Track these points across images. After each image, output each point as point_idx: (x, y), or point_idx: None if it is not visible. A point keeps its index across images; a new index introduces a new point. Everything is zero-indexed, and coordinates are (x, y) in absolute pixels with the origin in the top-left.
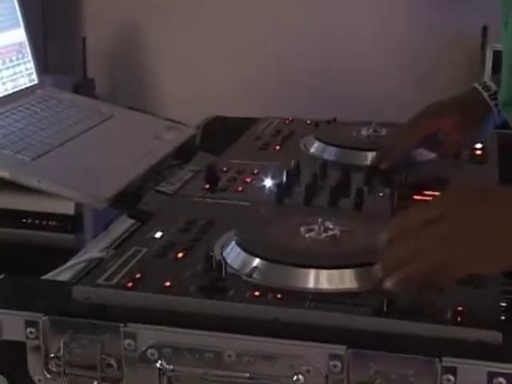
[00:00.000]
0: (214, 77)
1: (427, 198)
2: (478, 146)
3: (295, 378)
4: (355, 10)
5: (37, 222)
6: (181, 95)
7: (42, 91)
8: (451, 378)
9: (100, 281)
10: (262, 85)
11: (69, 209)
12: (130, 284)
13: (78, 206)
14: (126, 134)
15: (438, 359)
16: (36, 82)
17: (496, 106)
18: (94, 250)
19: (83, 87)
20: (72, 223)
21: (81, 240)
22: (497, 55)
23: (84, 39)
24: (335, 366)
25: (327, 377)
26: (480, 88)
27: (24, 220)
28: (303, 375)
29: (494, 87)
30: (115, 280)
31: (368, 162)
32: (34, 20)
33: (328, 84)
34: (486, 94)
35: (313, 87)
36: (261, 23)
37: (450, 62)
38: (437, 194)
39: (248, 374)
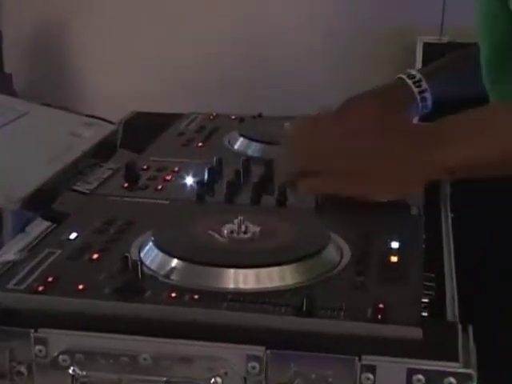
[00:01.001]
0: (138, 73)
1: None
2: None
3: (213, 380)
4: (281, 7)
5: None
6: (104, 92)
7: None
8: (370, 376)
9: (10, 285)
10: (188, 82)
11: None
12: (41, 288)
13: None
14: (41, 131)
15: (357, 358)
16: None
17: (420, 93)
18: (8, 252)
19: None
20: None
21: None
22: (427, 47)
23: (0, 33)
24: (253, 368)
25: (245, 378)
26: (404, 76)
27: None
28: (221, 377)
29: (418, 75)
30: (26, 284)
31: None
32: None
33: (255, 82)
34: (410, 82)
35: (241, 85)
36: (185, 20)
37: (385, 58)
38: None
39: (165, 378)
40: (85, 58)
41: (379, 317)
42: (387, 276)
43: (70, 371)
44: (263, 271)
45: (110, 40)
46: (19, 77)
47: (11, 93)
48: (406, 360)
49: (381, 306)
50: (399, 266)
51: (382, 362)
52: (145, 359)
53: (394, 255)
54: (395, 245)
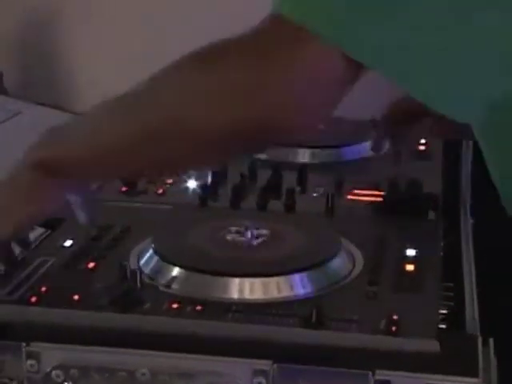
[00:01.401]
0: (135, 71)
1: (369, 199)
2: (423, 141)
3: None
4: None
5: None
6: (99, 90)
7: None
8: None
9: (1, 296)
10: None
11: None
12: (34, 299)
13: None
14: (34, 132)
15: (370, 372)
16: None
17: None
18: None
19: None
20: None
21: None
22: None
23: None
24: (259, 383)
25: None
26: None
27: None
28: None
29: None
30: (18, 294)
31: (302, 160)
32: None
33: None
34: None
35: None
36: (185, 18)
37: None
38: (378, 193)
39: None
40: (78, 55)
41: (393, 329)
42: (402, 285)
43: None
44: (270, 280)
45: (105, 36)
46: (10, 75)
47: (2, 91)
48: (423, 375)
49: (395, 317)
50: (415, 275)
51: (396, 377)
52: (143, 374)
53: (410, 263)
54: (411, 252)
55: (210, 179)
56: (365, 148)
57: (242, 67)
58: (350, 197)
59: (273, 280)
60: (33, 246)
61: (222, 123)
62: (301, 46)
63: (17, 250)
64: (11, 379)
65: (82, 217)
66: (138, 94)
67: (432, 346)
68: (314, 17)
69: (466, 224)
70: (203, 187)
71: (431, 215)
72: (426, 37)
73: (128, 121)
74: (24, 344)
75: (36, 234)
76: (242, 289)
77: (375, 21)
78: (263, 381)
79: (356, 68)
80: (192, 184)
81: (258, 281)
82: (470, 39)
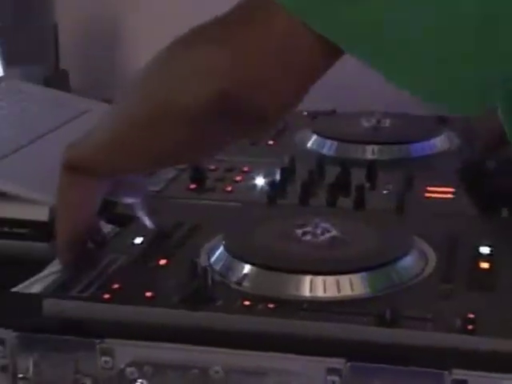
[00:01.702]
0: None
1: (439, 196)
2: None
3: None
4: None
5: (5, 229)
6: None
7: (8, 84)
8: None
9: (73, 293)
10: None
11: (42, 214)
12: (106, 295)
13: (53, 212)
14: None
15: (447, 372)
16: (1, 74)
17: None
18: None
19: (55, 80)
20: (46, 230)
21: (54, 249)
22: None
23: (55, 26)
24: (333, 382)
25: None
26: None
27: None
28: None
29: None
30: (90, 291)
31: (371, 156)
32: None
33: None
34: None
35: None
36: None
37: None
38: (448, 189)
39: None
40: (144, 52)
41: (470, 328)
42: (477, 283)
43: None
44: (342, 278)
45: (166, 35)
46: (75, 73)
47: (68, 90)
48: (501, 375)
49: (471, 316)
50: (490, 273)
51: (473, 377)
52: (216, 372)
53: (485, 261)
54: (485, 250)
55: (278, 176)
56: (434, 144)
57: (215, 45)
58: (420, 194)
59: (345, 278)
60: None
61: (203, 101)
62: (269, 21)
63: (107, 228)
64: (85, 375)
65: (145, 221)
66: (134, 82)
67: (510, 345)
68: None
69: None
70: (271, 184)
71: (504, 213)
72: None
73: (126, 109)
74: (98, 341)
75: (105, 231)
76: (315, 286)
77: None
78: (336, 379)
79: (329, 48)
80: (260, 181)
81: (330, 278)
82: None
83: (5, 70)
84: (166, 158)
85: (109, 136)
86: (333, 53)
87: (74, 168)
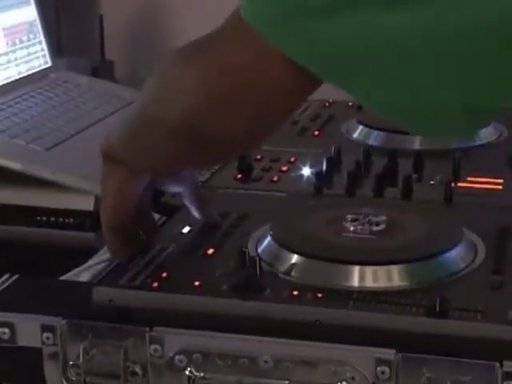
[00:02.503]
0: None
1: (488, 186)
2: None
3: None
4: None
5: (52, 219)
6: None
7: (56, 75)
8: None
9: (123, 281)
10: None
11: (88, 204)
12: (155, 284)
13: (98, 202)
14: None
15: (498, 364)
16: (49, 64)
17: None
18: None
19: (101, 70)
20: (92, 220)
21: (101, 239)
22: None
23: (101, 17)
24: (383, 373)
25: None
26: None
27: (38, 217)
28: (347, 382)
29: None
30: (139, 280)
31: (417, 147)
32: None
33: None
34: None
35: None
36: None
37: None
38: (497, 180)
39: (287, 382)
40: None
41: None
42: None
43: (187, 372)
44: (392, 268)
45: (212, 25)
46: (120, 63)
47: (113, 80)
48: None
49: None
50: None
51: None
52: (266, 362)
53: None
54: None
55: (324, 167)
56: (482, 135)
57: (185, 64)
58: (468, 185)
59: (394, 268)
60: None
61: (175, 117)
62: (241, 41)
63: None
64: (135, 363)
65: (193, 211)
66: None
67: None
68: (257, 14)
69: None
70: (318, 175)
71: None
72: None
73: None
74: (147, 329)
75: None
76: (364, 276)
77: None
78: (387, 370)
79: (301, 75)
80: (306, 172)
81: (379, 269)
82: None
83: (52, 61)
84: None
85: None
86: (306, 81)
87: (110, 158)
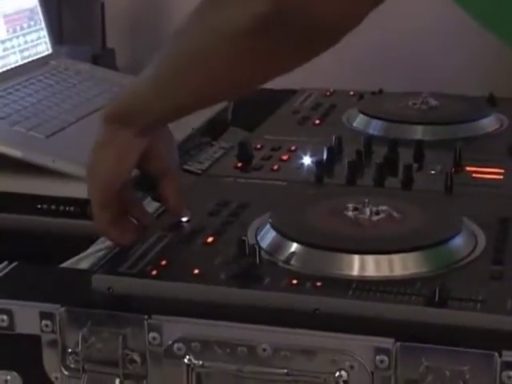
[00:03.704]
0: None
1: (489, 176)
2: None
3: (337, 374)
4: None
5: (53, 207)
6: None
7: (57, 62)
8: None
9: (122, 269)
10: None
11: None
12: (154, 272)
13: None
14: None
15: (497, 353)
16: (50, 51)
17: None
18: None
19: (102, 58)
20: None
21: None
22: None
23: (102, 5)
24: (382, 362)
25: (372, 373)
26: None
27: (39, 205)
28: (346, 371)
29: None
30: (138, 268)
31: (418, 136)
32: None
33: (374, 54)
34: None
35: (356, 57)
36: None
37: None
38: (498, 170)
39: (285, 370)
40: None
41: None
42: None
43: (186, 360)
44: (391, 258)
45: None
46: (121, 51)
47: (114, 68)
48: None
49: None
50: None
51: None
52: (264, 350)
53: None
54: None
55: (325, 156)
56: (483, 125)
57: None
58: (468, 174)
59: (394, 257)
60: None
61: (252, 16)
62: None
63: (154, 206)
64: (133, 351)
65: (166, 193)
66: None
67: None
68: None
69: None
70: (318, 164)
71: None
72: None
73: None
74: (146, 317)
75: (152, 209)
76: (363, 266)
77: None
78: (385, 359)
79: None
80: (307, 161)
81: (379, 258)
82: None
83: (53, 49)
84: (215, 91)
85: (151, 83)
86: None
87: (113, 121)
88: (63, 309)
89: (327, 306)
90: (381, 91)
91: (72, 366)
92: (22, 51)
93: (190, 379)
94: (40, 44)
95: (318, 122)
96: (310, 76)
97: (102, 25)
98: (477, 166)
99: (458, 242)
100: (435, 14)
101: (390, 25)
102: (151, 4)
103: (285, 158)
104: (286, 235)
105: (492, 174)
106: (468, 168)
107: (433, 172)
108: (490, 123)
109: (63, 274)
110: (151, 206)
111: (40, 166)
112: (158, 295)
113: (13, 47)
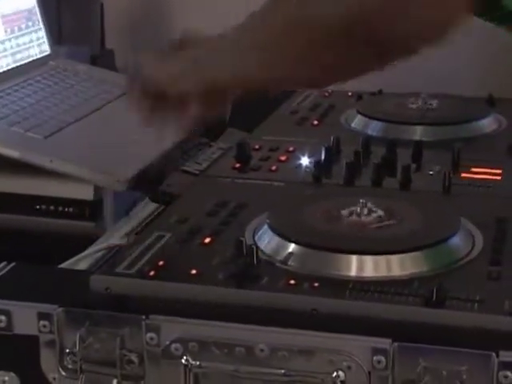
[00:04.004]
0: None
1: (487, 177)
2: None
3: (335, 374)
4: None
5: (52, 208)
6: None
7: (55, 63)
8: (509, 374)
9: (119, 269)
10: None
11: (87, 194)
12: (152, 272)
13: (98, 191)
14: None
15: (494, 354)
16: (48, 52)
17: None
18: (114, 236)
19: (101, 59)
20: (91, 209)
21: (100, 228)
22: None
23: (102, 6)
24: (379, 362)
25: (370, 373)
26: None
27: (37, 206)
28: (344, 372)
29: None
30: (136, 268)
31: (417, 137)
32: None
33: None
34: None
35: None
36: None
37: None
38: (496, 171)
39: (283, 371)
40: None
41: None
42: None
43: (183, 361)
44: (389, 258)
45: (214, 15)
46: (120, 52)
47: (113, 69)
48: None
49: None
50: None
51: None
52: (262, 350)
53: None
54: None
55: (323, 156)
56: (481, 126)
57: None
58: (466, 175)
59: (391, 258)
60: (148, 220)
61: (333, 19)
62: None
63: (152, 206)
64: (131, 351)
65: None
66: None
67: None
68: None
69: None
70: (316, 164)
71: None
72: None
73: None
74: (143, 317)
75: (150, 209)
76: (360, 266)
77: None
78: (383, 359)
79: None
80: (305, 161)
81: (376, 258)
82: None
83: (51, 49)
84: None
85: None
86: None
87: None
88: (61, 309)
89: (325, 307)
90: (380, 92)
91: (70, 366)
92: (20, 52)
93: (188, 379)
94: (38, 45)
95: (316, 122)
96: None
97: (101, 25)
98: (475, 167)
99: (456, 242)
100: None
101: None
102: (151, 4)
103: (283, 158)
104: (284, 236)
105: (490, 174)
106: (466, 168)
107: (431, 172)
108: (488, 124)
109: (61, 275)
110: (151, 206)
111: (38, 166)
112: (156, 295)
113: (11, 48)
